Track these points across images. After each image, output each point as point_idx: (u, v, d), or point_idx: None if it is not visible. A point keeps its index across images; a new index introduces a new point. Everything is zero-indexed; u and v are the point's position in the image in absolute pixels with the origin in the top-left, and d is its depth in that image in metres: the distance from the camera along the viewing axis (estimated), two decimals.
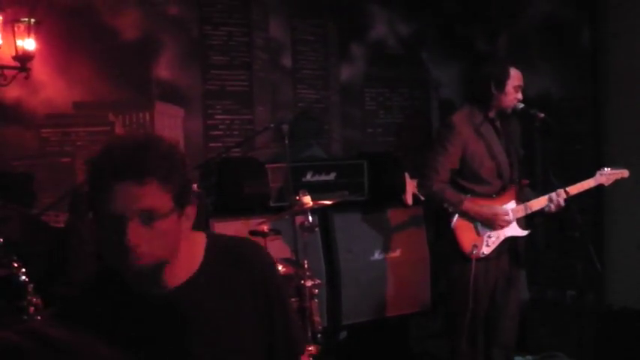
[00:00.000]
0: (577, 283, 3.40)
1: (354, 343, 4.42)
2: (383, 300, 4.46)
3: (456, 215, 3.26)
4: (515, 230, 3.33)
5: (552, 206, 3.26)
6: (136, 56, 4.54)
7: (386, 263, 4.50)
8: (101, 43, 4.39)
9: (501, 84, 3.25)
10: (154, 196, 1.23)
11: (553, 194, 3.25)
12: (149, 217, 1.23)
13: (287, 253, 3.95)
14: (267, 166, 4.30)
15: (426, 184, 3.32)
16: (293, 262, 3.68)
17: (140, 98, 4.56)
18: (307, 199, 3.50)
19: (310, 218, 3.54)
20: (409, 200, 4.60)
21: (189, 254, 1.37)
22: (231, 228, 4.04)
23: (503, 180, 3.34)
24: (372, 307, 4.42)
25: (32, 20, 4.01)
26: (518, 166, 3.39)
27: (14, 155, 4.16)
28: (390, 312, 4.49)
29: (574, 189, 3.29)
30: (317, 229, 3.90)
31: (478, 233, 3.28)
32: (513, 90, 3.27)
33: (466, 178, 3.32)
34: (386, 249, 4.52)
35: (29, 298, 2.81)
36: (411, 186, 4.62)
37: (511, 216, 3.31)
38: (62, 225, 3.72)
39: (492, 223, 3.27)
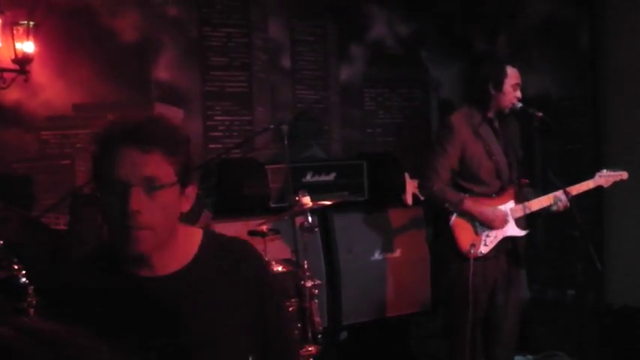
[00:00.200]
0: (577, 282, 3.41)
1: (355, 344, 4.42)
2: (383, 300, 4.46)
3: (454, 214, 3.26)
4: (513, 230, 3.34)
5: (560, 205, 3.26)
6: (136, 58, 4.54)
7: (386, 263, 4.50)
8: (100, 44, 4.39)
9: (499, 84, 3.25)
10: (158, 166, 1.28)
11: (558, 193, 3.25)
12: (151, 185, 1.27)
13: (287, 253, 3.95)
14: (266, 166, 4.31)
15: (427, 184, 3.32)
16: (293, 263, 3.68)
17: (139, 100, 4.56)
18: (307, 200, 3.50)
19: (310, 219, 3.54)
20: (409, 200, 4.60)
21: (184, 245, 1.40)
22: (231, 229, 4.03)
23: (502, 180, 3.34)
24: (372, 307, 4.42)
25: (31, 23, 4.02)
26: (517, 166, 3.39)
27: (14, 158, 4.16)
28: (390, 312, 4.49)
29: (573, 189, 3.29)
30: (317, 229, 3.90)
31: (476, 232, 3.28)
32: (511, 89, 3.27)
33: (465, 178, 3.33)
34: (386, 249, 4.52)
35: (29, 299, 2.82)
36: (410, 186, 4.62)
37: (510, 217, 3.31)
38: (62, 227, 3.73)
39: (491, 223, 3.27)
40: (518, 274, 3.47)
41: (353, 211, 4.49)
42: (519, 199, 3.35)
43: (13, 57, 4.03)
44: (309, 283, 3.47)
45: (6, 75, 4.04)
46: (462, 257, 3.23)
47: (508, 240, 3.34)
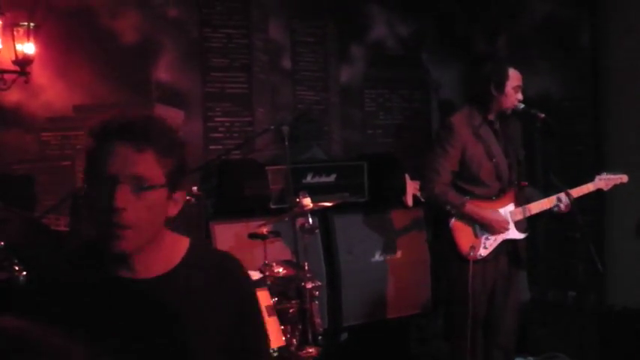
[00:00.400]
0: (578, 283, 3.40)
1: (355, 345, 4.42)
2: (383, 301, 4.46)
3: (454, 217, 3.25)
4: (513, 233, 3.33)
5: (562, 206, 3.25)
6: (136, 59, 4.54)
7: (386, 265, 4.50)
8: (101, 46, 4.39)
9: (501, 85, 3.25)
10: (148, 166, 1.27)
11: (560, 195, 3.24)
12: (139, 184, 1.26)
13: (287, 255, 3.95)
14: (267, 168, 4.31)
15: (428, 186, 3.32)
16: (293, 264, 3.68)
17: (140, 101, 4.56)
18: (307, 201, 3.50)
19: (310, 220, 3.54)
20: (409, 201, 4.60)
21: (169, 251, 1.39)
22: (231, 230, 4.04)
23: (502, 182, 3.34)
24: (373, 308, 4.42)
25: (32, 24, 4.02)
26: (517, 167, 3.38)
27: (15, 159, 4.16)
28: (391, 313, 4.49)
29: (574, 192, 3.29)
30: (317, 230, 3.91)
31: (476, 235, 3.27)
32: (513, 91, 3.26)
33: (465, 180, 3.32)
34: (386, 250, 4.52)
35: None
36: (411, 187, 4.61)
37: (509, 220, 3.31)
38: (63, 228, 3.73)
39: (492, 228, 3.27)
40: (517, 275, 3.47)
41: (353, 213, 4.48)
42: (519, 201, 3.35)
43: (13, 58, 4.03)
44: (309, 285, 3.47)
45: (6, 76, 4.04)
46: (462, 259, 3.23)
47: (508, 242, 3.34)
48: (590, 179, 3.37)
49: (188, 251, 1.40)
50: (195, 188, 3.51)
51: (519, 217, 3.32)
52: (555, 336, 4.31)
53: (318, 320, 3.51)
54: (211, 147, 4.79)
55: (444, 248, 3.32)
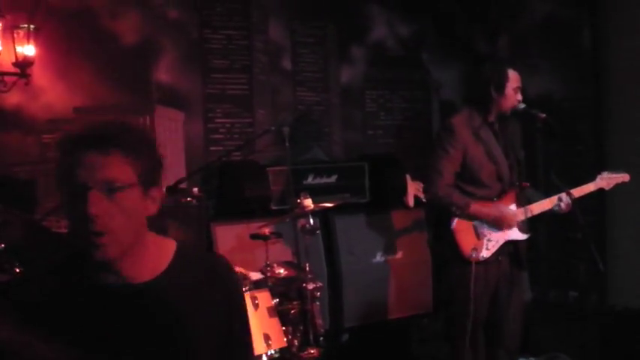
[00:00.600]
0: (579, 283, 3.40)
1: (356, 346, 4.42)
2: (384, 302, 4.45)
3: (456, 218, 3.25)
4: (515, 234, 3.32)
5: (563, 205, 3.25)
6: (136, 60, 4.54)
7: (387, 265, 4.50)
8: (101, 47, 4.39)
9: (501, 87, 3.24)
10: (117, 167, 1.26)
11: (561, 195, 3.24)
12: (110, 187, 1.25)
13: (288, 256, 3.95)
14: (268, 169, 4.30)
15: (431, 188, 3.31)
16: (295, 265, 3.68)
17: (140, 102, 4.56)
18: (308, 202, 3.50)
19: (311, 221, 3.54)
20: (410, 202, 4.60)
21: (156, 255, 1.37)
22: (232, 231, 4.04)
23: (502, 183, 3.33)
24: (374, 309, 4.42)
25: (32, 26, 4.02)
26: (517, 168, 3.37)
27: (15, 161, 4.16)
28: (392, 314, 4.49)
29: (576, 192, 3.28)
30: (318, 231, 3.91)
31: (478, 237, 3.27)
32: (513, 92, 3.26)
33: (466, 181, 3.31)
34: (387, 251, 4.52)
35: None
36: (412, 188, 4.61)
37: (517, 214, 3.30)
38: (63, 230, 3.72)
39: (500, 223, 3.25)
40: (520, 276, 3.46)
41: (354, 213, 4.48)
42: (520, 202, 3.34)
43: (13, 60, 4.03)
44: (310, 286, 3.46)
45: (7, 78, 4.05)
46: (464, 261, 3.22)
47: (510, 243, 3.33)
48: (592, 179, 3.36)
49: (175, 254, 1.39)
50: (196, 189, 3.51)
51: (521, 217, 3.32)
52: (557, 336, 4.30)
53: (319, 321, 3.50)
54: (212, 148, 4.79)
55: (446, 250, 3.31)
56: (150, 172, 1.32)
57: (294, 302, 3.47)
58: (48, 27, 4.17)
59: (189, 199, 3.44)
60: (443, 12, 5.66)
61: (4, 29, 4.00)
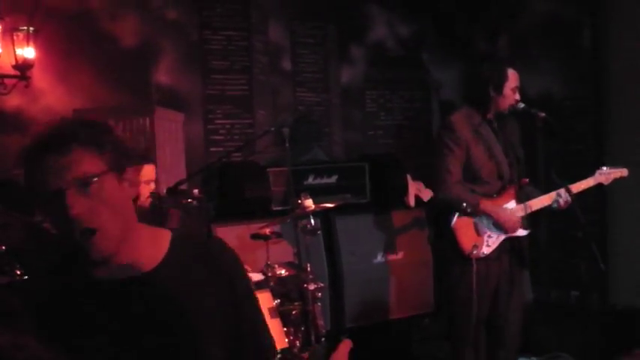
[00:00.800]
0: (581, 283, 3.39)
1: (358, 346, 4.41)
2: (386, 302, 4.45)
3: (456, 215, 3.25)
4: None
5: (561, 202, 3.25)
6: (136, 62, 4.54)
7: (389, 265, 4.50)
8: (101, 49, 4.39)
9: (499, 87, 3.25)
10: (82, 161, 1.24)
11: (560, 191, 3.24)
12: (82, 183, 1.23)
13: (289, 256, 3.95)
14: (268, 169, 4.30)
15: (442, 188, 3.31)
16: (295, 266, 3.67)
17: (140, 104, 4.56)
18: (309, 203, 3.50)
19: (312, 221, 3.53)
20: (411, 202, 4.59)
21: (153, 245, 1.36)
22: (233, 232, 4.04)
23: (502, 180, 3.33)
24: (375, 309, 4.42)
25: (31, 28, 4.02)
26: (517, 166, 3.38)
27: (16, 164, 4.15)
28: (393, 314, 4.48)
29: (574, 187, 3.29)
30: (319, 232, 3.90)
31: (478, 233, 3.27)
32: (511, 92, 3.27)
33: (466, 178, 3.32)
34: (388, 251, 4.51)
35: None
36: (413, 187, 4.61)
37: (517, 214, 3.30)
38: None
39: (505, 225, 3.27)
40: (520, 274, 3.46)
41: (355, 214, 4.48)
42: (520, 198, 3.35)
43: (13, 63, 4.03)
44: (311, 286, 3.46)
45: (7, 81, 4.05)
46: (465, 258, 3.22)
47: (510, 240, 3.33)
48: (591, 175, 3.37)
49: (171, 243, 1.37)
50: (196, 191, 3.51)
51: (520, 214, 3.32)
52: (558, 336, 4.30)
53: (320, 322, 3.50)
54: (212, 149, 4.79)
55: (446, 248, 3.32)
56: (117, 157, 1.29)
57: (296, 303, 3.46)
58: (47, 29, 4.17)
59: (189, 200, 3.44)
60: (443, 12, 5.66)
61: (4, 32, 4.00)
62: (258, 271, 3.50)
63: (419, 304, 4.57)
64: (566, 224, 4.26)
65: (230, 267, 1.41)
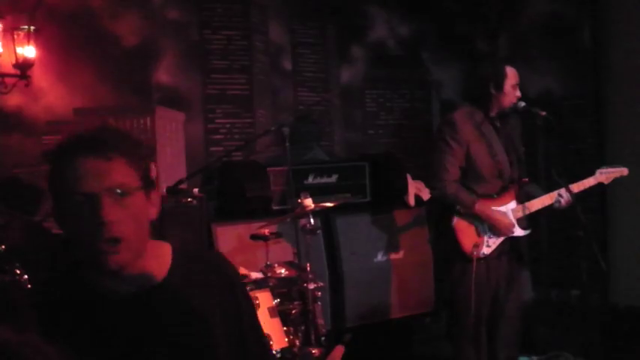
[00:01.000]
0: (581, 282, 3.39)
1: (358, 346, 4.40)
2: (386, 302, 4.44)
3: (456, 215, 3.25)
4: (515, 230, 3.32)
5: (562, 201, 3.25)
6: (136, 61, 4.54)
7: (389, 265, 4.49)
8: (101, 48, 4.39)
9: (499, 85, 3.25)
10: (122, 172, 1.25)
11: (561, 191, 3.24)
12: (120, 192, 1.24)
13: (289, 256, 3.94)
14: (268, 169, 4.29)
15: (438, 185, 3.31)
16: (295, 265, 3.67)
17: (141, 103, 4.56)
18: (309, 202, 3.49)
19: (312, 221, 3.52)
20: (412, 201, 4.59)
21: (157, 258, 1.36)
22: (233, 232, 4.03)
23: (503, 180, 3.33)
24: (376, 309, 4.41)
25: (32, 28, 4.02)
26: (518, 165, 3.38)
27: (16, 163, 4.16)
28: (394, 314, 4.47)
29: (575, 187, 3.29)
30: (319, 231, 3.89)
31: (479, 233, 3.27)
32: (512, 89, 3.27)
33: (467, 177, 3.31)
34: (389, 250, 4.51)
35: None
36: (413, 187, 4.60)
37: (515, 222, 3.30)
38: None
39: (499, 230, 3.27)
40: (520, 274, 3.46)
41: (355, 213, 4.47)
42: (520, 199, 3.34)
43: (14, 62, 4.03)
44: (312, 286, 3.45)
45: (7, 80, 4.05)
46: (465, 258, 3.22)
47: (510, 240, 3.33)
48: (592, 175, 3.37)
49: (173, 256, 1.38)
50: (196, 190, 3.51)
51: (519, 214, 3.32)
52: (559, 335, 4.29)
53: (320, 321, 3.49)
54: (212, 149, 4.79)
55: (447, 248, 3.32)
56: (147, 174, 1.30)
57: (295, 302, 3.45)
58: (48, 28, 4.17)
59: (189, 199, 3.44)
60: (443, 11, 5.65)
61: (5, 31, 4.00)
62: (257, 271, 3.49)
63: (419, 304, 4.56)
64: (567, 223, 4.26)
65: (231, 275, 1.44)
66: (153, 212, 1.33)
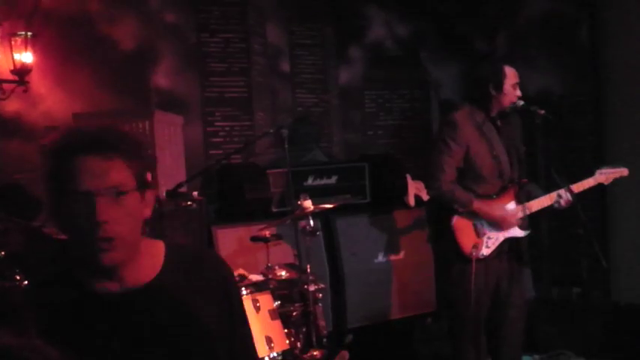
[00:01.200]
0: (582, 280, 3.39)
1: (359, 347, 4.40)
2: (387, 303, 4.44)
3: (455, 216, 3.24)
4: (514, 231, 3.31)
5: (562, 202, 3.25)
6: (134, 65, 4.54)
7: (389, 266, 4.49)
8: (99, 53, 4.39)
9: (499, 85, 3.25)
10: (120, 173, 1.26)
11: (561, 191, 3.24)
12: (116, 192, 1.25)
13: (290, 258, 3.94)
14: (267, 171, 4.30)
15: (434, 184, 3.30)
16: (296, 267, 3.67)
17: (139, 107, 4.56)
18: (309, 204, 3.49)
19: (312, 222, 3.53)
20: (411, 202, 4.59)
21: (150, 256, 1.37)
22: (233, 234, 4.04)
23: (503, 180, 3.33)
24: (377, 310, 4.41)
25: (29, 33, 4.02)
26: (518, 165, 3.37)
27: (15, 168, 4.16)
28: (395, 314, 4.47)
29: (575, 187, 3.28)
30: (319, 233, 3.89)
31: (478, 234, 3.26)
32: (512, 88, 3.27)
33: (467, 177, 3.31)
34: (389, 251, 4.50)
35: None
36: (413, 187, 4.60)
37: (517, 214, 3.29)
38: (64, 237, 3.72)
39: (501, 224, 3.26)
40: (521, 273, 3.45)
41: (355, 214, 4.47)
42: (520, 199, 3.33)
43: (11, 68, 4.03)
44: (312, 287, 3.46)
45: (5, 86, 4.05)
46: (464, 259, 3.21)
47: (510, 240, 3.32)
48: (591, 175, 3.36)
49: (167, 253, 1.39)
50: (196, 193, 3.51)
51: (520, 215, 3.31)
52: (561, 333, 4.29)
53: (322, 323, 3.49)
54: (211, 152, 4.79)
55: (446, 248, 3.31)
56: (144, 175, 1.32)
57: (296, 304, 3.46)
58: (45, 34, 4.17)
59: (189, 202, 3.44)
60: (441, 11, 5.65)
61: (2, 36, 4.01)
62: (258, 273, 3.49)
63: (420, 304, 4.56)
64: (567, 221, 4.26)
65: (224, 274, 1.45)
66: (147, 212, 1.34)
